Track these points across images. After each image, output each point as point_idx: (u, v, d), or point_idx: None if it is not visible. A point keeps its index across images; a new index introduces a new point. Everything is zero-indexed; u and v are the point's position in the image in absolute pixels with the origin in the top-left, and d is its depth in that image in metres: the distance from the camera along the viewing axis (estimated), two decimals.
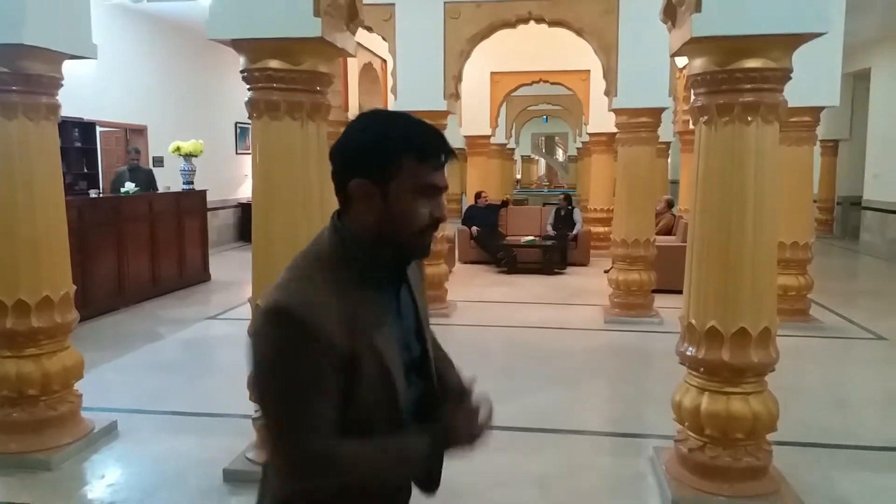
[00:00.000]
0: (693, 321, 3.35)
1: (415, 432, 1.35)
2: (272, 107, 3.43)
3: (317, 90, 3.54)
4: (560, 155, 33.41)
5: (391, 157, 1.27)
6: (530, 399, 4.84)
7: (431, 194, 1.32)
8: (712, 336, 3.25)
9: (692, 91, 3.37)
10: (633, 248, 7.00)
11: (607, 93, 7.11)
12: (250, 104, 3.51)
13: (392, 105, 7.24)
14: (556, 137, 32.83)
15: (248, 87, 3.52)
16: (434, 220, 1.32)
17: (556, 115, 19.71)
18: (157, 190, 9.05)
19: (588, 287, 9.31)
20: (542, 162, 35.16)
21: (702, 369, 3.33)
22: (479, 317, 7.36)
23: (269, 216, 3.50)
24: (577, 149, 18.61)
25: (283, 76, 3.41)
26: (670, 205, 10.10)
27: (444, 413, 1.39)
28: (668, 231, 9.73)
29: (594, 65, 11.78)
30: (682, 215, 10.18)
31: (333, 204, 1.41)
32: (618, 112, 6.96)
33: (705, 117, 3.28)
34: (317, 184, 3.51)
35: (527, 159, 33.71)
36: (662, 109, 6.95)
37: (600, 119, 11.59)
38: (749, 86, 3.14)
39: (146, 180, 8.89)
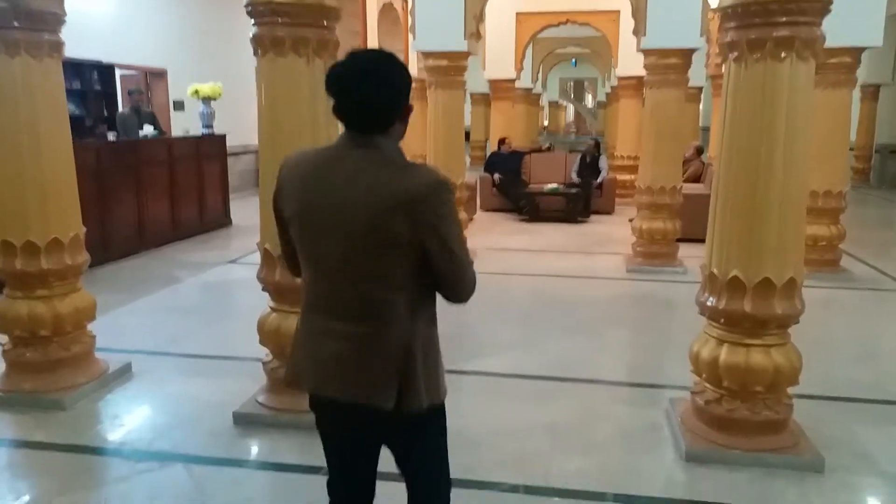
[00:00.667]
0: (714, 270, 3.20)
1: None
2: (277, 42, 3.29)
3: (323, 25, 3.38)
4: (589, 101, 32.61)
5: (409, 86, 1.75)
6: (549, 347, 4.77)
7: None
8: (734, 286, 3.11)
9: (723, 26, 3.14)
10: (658, 195, 6.79)
11: (636, 32, 6.80)
12: (254, 40, 3.37)
13: (410, 46, 7.01)
14: (586, 82, 32.01)
15: (252, 21, 3.38)
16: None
17: (585, 58, 19.12)
18: (163, 133, 8.91)
19: (612, 236, 9.13)
20: (570, 108, 34.42)
21: (722, 320, 3.20)
22: (501, 265, 7.24)
23: (276, 158, 3.39)
24: (606, 94, 18.10)
25: (287, 10, 3.26)
26: (700, 151, 9.77)
27: None
28: (696, 178, 9.45)
29: (624, 4, 11.36)
30: (712, 163, 9.86)
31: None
32: (646, 53, 6.66)
33: (735, 53, 3.06)
34: (324, 124, 3.39)
35: (554, 105, 33.07)
36: (693, 51, 6.63)
37: (630, 62, 11.18)
38: (784, 18, 2.91)
39: (149, 123, 8.73)
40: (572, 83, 32.11)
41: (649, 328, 5.43)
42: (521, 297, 6.12)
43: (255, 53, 3.40)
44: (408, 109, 1.74)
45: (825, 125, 6.35)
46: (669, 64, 6.56)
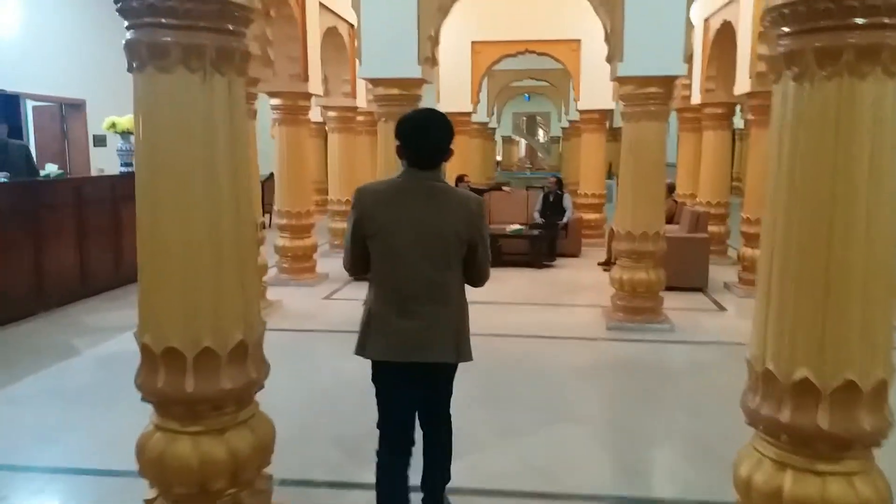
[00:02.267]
0: (771, 367, 2.32)
1: None
2: (159, 52, 2.33)
3: (227, 29, 2.43)
4: (541, 136, 32.35)
5: None
6: (526, 443, 3.82)
7: None
8: (803, 391, 2.23)
9: (775, 31, 2.30)
10: (640, 242, 5.97)
11: (610, 58, 6.04)
12: (127, 49, 2.40)
13: (358, 73, 6.12)
14: (538, 117, 31.74)
15: (125, 23, 2.41)
16: None
17: (539, 92, 18.62)
18: (37, 171, 7.37)
19: (582, 282, 8.31)
20: (523, 143, 34.10)
21: (784, 437, 2.31)
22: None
23: (156, 207, 2.41)
24: (563, 129, 17.56)
25: (173, 6, 2.30)
26: (671, 189, 9.08)
27: None
28: (669, 219, 8.72)
29: (586, 33, 10.77)
30: (685, 202, 9.21)
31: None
32: (623, 81, 5.90)
33: (795, 70, 2.22)
34: (225, 163, 2.43)
35: (507, 140, 32.62)
36: (675, 78, 5.91)
37: (592, 94, 10.58)
38: (866, 20, 2.09)
39: (15, 159, 7.08)
40: (525, 118, 31.78)
41: (646, 409, 4.50)
42: (488, 368, 5.14)
43: (130, 68, 2.42)
44: (450, 154, 2.54)
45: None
46: (650, 93, 5.81)
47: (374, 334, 2.54)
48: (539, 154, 31.60)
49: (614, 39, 5.81)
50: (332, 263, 8.99)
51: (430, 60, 6.25)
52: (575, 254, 9.99)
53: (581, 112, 10.86)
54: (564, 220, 9.85)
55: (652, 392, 4.69)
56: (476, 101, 11.02)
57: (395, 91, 6.03)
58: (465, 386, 4.55)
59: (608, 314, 6.31)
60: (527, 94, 23.48)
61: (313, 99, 9.56)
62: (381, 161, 6.18)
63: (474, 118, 12.05)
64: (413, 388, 2.60)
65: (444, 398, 2.77)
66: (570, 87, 14.91)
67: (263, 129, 8.00)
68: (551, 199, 10.11)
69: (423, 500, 2.81)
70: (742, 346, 5.70)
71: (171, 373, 2.44)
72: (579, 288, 8.00)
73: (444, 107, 10.88)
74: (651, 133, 5.90)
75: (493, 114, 16.66)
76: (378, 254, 2.50)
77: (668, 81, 5.86)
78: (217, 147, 2.42)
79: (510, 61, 11.51)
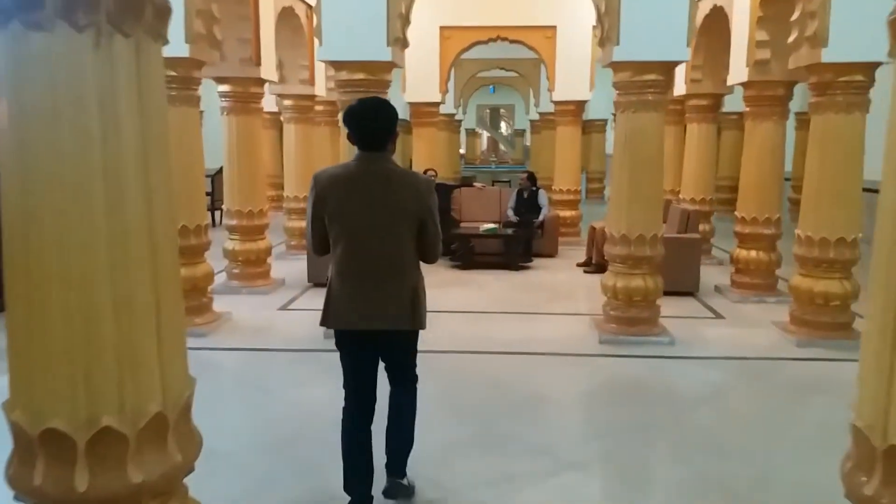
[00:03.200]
0: None
1: None
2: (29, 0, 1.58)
3: None
4: (504, 129, 31.82)
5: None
6: (521, 501, 3.16)
7: None
8: None
9: None
10: (636, 246, 5.36)
11: (603, 41, 5.39)
12: None
13: (316, 55, 5.36)
14: (502, 109, 31.20)
15: None
16: None
17: (506, 83, 17.97)
18: None
19: (564, 286, 7.69)
20: (485, 136, 33.56)
21: None
22: (429, 335, 5.59)
23: (32, 234, 1.66)
24: (531, 121, 16.97)
25: None
26: None
27: None
28: None
29: (562, 20, 10.15)
30: (671, 199, 8.66)
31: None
32: (618, 67, 5.26)
33: None
34: (135, 167, 1.70)
35: (470, 133, 32.00)
36: (677, 64, 5.31)
37: (568, 85, 9.97)
38: None
39: None
40: (488, 110, 31.19)
41: (659, 448, 3.85)
42: (469, 397, 4.47)
43: None
44: (395, 135, 2.77)
45: (837, 156, 5.20)
46: (648, 81, 5.19)
47: (334, 306, 2.75)
48: (502, 147, 31.06)
49: (609, 20, 5.16)
50: (288, 266, 8.21)
51: (400, 42, 5.52)
52: (552, 254, 9.38)
53: (556, 103, 10.24)
54: (541, 217, 9.22)
55: (662, 424, 4.06)
56: (444, 91, 10.30)
57: (360, 76, 5.29)
58: (447, 426, 3.82)
59: (600, 325, 5.68)
60: (492, 86, 22.86)
61: (267, 86, 8.75)
62: (345, 154, 5.43)
63: (442, 109, 11.35)
64: (373, 352, 2.84)
65: (408, 359, 2.97)
66: (542, 77, 14.38)
67: (210, 116, 7.17)
68: (525, 195, 9.47)
69: (385, 465, 3.00)
70: (753, 363, 5.23)
71: (55, 464, 1.70)
72: (562, 293, 7.37)
73: (409, 97, 10.18)
74: (648, 125, 5.28)
75: (459, 105, 15.97)
76: (336, 233, 2.70)
77: (668, 68, 5.25)
78: (121, 139, 1.68)
79: (478, 50, 10.82)
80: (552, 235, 9.39)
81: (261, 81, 6.97)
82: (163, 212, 1.81)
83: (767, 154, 6.74)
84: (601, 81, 10.21)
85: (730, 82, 7.03)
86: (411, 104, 10.43)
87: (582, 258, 8.95)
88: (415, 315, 2.77)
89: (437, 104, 10.35)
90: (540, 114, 14.62)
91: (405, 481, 3.03)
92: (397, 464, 3.00)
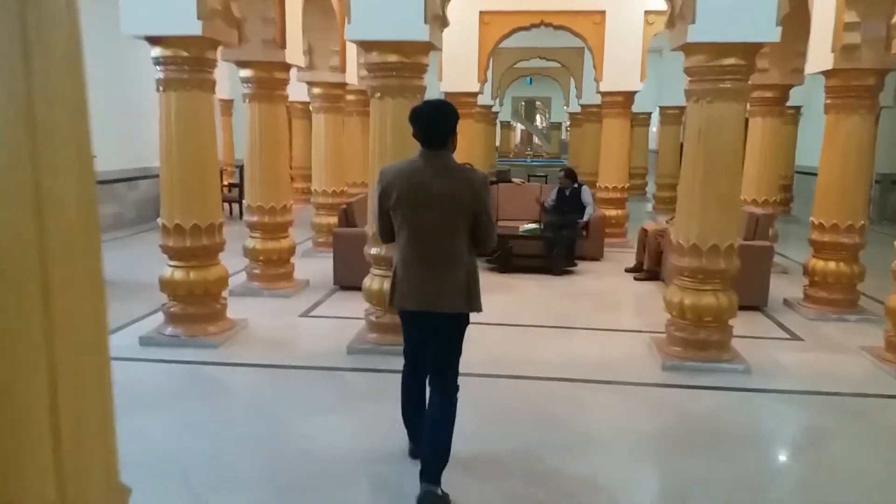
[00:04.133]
0: None
1: None
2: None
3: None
4: (539, 122, 31.01)
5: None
6: None
7: None
8: None
9: None
10: (709, 258, 4.63)
11: (674, 21, 4.68)
12: None
13: (348, 33, 4.71)
14: (538, 102, 30.38)
15: None
16: None
17: (545, 74, 17.16)
18: None
19: (612, 294, 6.98)
20: (519, 128, 32.80)
21: None
22: (466, 354, 4.94)
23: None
24: (571, 114, 16.17)
25: None
26: None
27: None
28: None
29: (612, 4, 9.34)
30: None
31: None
32: (692, 50, 4.53)
33: None
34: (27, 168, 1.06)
35: (504, 125, 31.27)
36: (761, 47, 4.56)
37: (617, 74, 9.21)
38: None
39: None
40: (524, 103, 30.37)
41: None
42: (507, 432, 3.79)
43: None
44: (455, 134, 2.96)
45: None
46: (728, 66, 4.45)
47: (398, 289, 3.01)
48: (536, 140, 30.24)
49: None
50: (314, 266, 7.63)
51: (439, 20, 4.86)
52: (597, 257, 8.65)
53: (603, 94, 9.47)
54: (585, 217, 8.48)
55: (752, 479, 3.33)
56: (483, 80, 9.61)
57: (393, 58, 4.63)
58: (489, 485, 3.07)
59: (661, 347, 4.97)
60: (529, 78, 22.05)
61: (295, 73, 8.17)
62: (376, 146, 4.79)
63: (479, 100, 10.66)
64: (428, 331, 3.05)
65: (453, 350, 3.06)
66: (583, 67, 13.60)
67: (242, 104, 6.60)
68: (567, 193, 8.73)
69: (420, 471, 2.98)
70: (849, 400, 4.33)
71: None
72: (612, 303, 6.67)
73: (446, 86, 9.51)
74: (726, 117, 4.54)
75: (497, 97, 15.25)
76: (398, 223, 2.96)
77: (752, 51, 4.50)
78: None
79: (517, 38, 10.12)
80: (598, 237, 8.66)
81: (286, 66, 6.37)
82: (84, 229, 1.17)
83: (853, 152, 5.93)
84: (649, 71, 9.43)
85: (809, 70, 6.22)
86: (448, 94, 9.76)
87: (630, 262, 8.22)
88: (470, 299, 2.97)
89: (474, 94, 9.66)
90: (582, 106, 13.82)
91: (439, 491, 2.95)
92: (431, 473, 2.97)
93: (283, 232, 6.66)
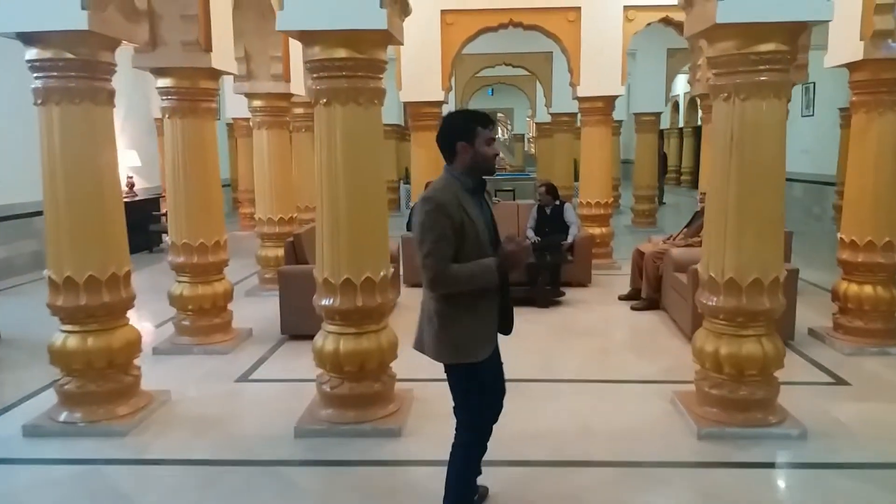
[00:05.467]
0: None
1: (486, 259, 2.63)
2: None
3: None
4: (501, 134, 30.27)
5: (472, 128, 2.66)
6: None
7: (491, 143, 2.68)
8: None
9: None
10: (750, 296, 3.67)
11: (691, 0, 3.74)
12: None
13: (280, 22, 3.64)
14: (499, 114, 29.63)
15: None
16: (494, 154, 2.70)
17: (512, 82, 16.27)
18: None
19: (612, 330, 6.01)
20: None
21: None
22: (443, 431, 3.89)
23: None
24: (539, 125, 15.28)
25: None
26: None
27: (500, 249, 2.66)
28: None
29: (587, 0, 8.54)
30: None
31: None
32: (718, 35, 3.59)
33: None
34: None
35: None
36: (805, 28, 3.63)
37: (596, 78, 8.30)
38: None
39: None
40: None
41: None
42: None
43: None
44: (461, 147, 2.65)
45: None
46: (765, 54, 3.51)
47: (482, 335, 2.71)
48: (500, 154, 29.44)
49: None
50: (260, 309, 6.51)
51: (399, 5, 3.84)
52: (584, 282, 7.68)
53: (581, 100, 8.55)
54: (570, 238, 7.52)
55: None
56: (447, 88, 8.61)
57: (342, 53, 3.58)
58: None
59: (691, 407, 3.98)
60: (490, 88, 21.22)
61: (231, 84, 7.07)
62: (323, 165, 3.72)
63: (444, 111, 9.64)
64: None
65: (455, 396, 2.84)
66: (552, 73, 12.71)
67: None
68: (548, 211, 7.76)
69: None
70: None
71: None
72: (613, 342, 5.69)
73: (406, 95, 8.49)
74: (767, 118, 3.60)
75: (461, 107, 14.26)
76: (466, 252, 2.61)
77: (796, 33, 3.58)
78: None
79: (481, 44, 9.17)
80: (585, 260, 7.69)
81: (214, 73, 5.27)
82: None
83: (888, 156, 5.06)
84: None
85: (832, 63, 5.34)
86: (408, 104, 8.74)
87: (622, 287, 7.28)
88: (438, 347, 2.73)
89: (438, 104, 8.65)
90: (552, 114, 12.94)
91: None
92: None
93: (217, 274, 5.51)
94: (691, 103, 21.91)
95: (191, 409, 4.28)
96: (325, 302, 3.82)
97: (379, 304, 3.82)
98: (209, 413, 4.24)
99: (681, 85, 19.49)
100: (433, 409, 4.13)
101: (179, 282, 5.46)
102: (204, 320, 5.46)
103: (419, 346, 2.75)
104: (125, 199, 10.31)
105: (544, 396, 4.46)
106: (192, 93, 5.19)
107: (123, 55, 4.61)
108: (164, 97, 5.22)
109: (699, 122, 21.12)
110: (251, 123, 7.36)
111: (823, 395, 4.39)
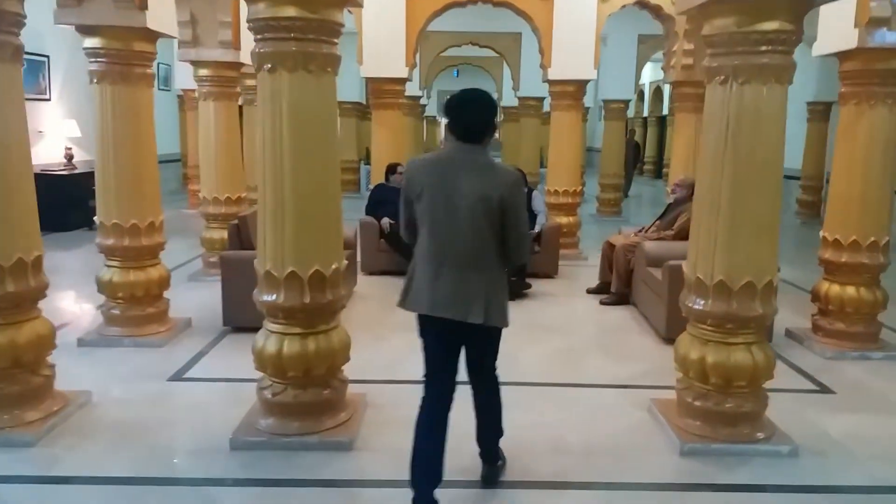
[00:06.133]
0: None
1: None
2: None
3: None
4: None
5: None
6: None
7: None
8: None
9: None
10: (741, 300, 3.32)
11: None
12: None
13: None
14: None
15: None
16: None
17: (478, 63, 15.79)
18: None
19: (580, 326, 5.67)
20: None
21: None
22: (400, 443, 3.46)
23: None
24: (505, 108, 14.87)
25: None
26: (693, 189, 6.46)
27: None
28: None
29: None
30: None
31: None
32: (714, 10, 3.21)
33: None
34: None
35: (431, 121, 29.90)
36: (814, 4, 3.28)
37: (568, 61, 7.92)
38: None
39: None
40: (449, 97, 29.06)
41: None
42: None
43: None
44: (493, 128, 2.76)
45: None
46: (767, 33, 3.14)
47: (414, 290, 2.77)
48: None
49: None
50: (203, 295, 6.01)
51: None
52: (551, 274, 7.33)
53: (551, 83, 8.15)
54: (537, 228, 7.15)
55: None
56: (412, 65, 8.12)
57: (290, 11, 3.08)
58: None
59: (672, 418, 3.64)
60: (455, 70, 20.69)
61: (177, 51, 6.48)
62: (266, 140, 3.22)
63: (408, 90, 9.14)
64: (450, 340, 2.81)
65: (486, 355, 2.93)
66: (521, 55, 12.30)
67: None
68: None
69: (479, 453, 3.08)
70: None
71: None
72: (583, 340, 5.33)
73: (367, 71, 7.97)
74: (768, 105, 3.24)
75: (425, 87, 13.79)
76: (420, 217, 2.74)
77: (801, 11, 3.22)
78: None
79: (447, 21, 8.71)
80: (552, 250, 7.33)
81: (150, 35, 4.70)
82: None
83: (877, 152, 4.79)
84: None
85: (822, 52, 5.04)
86: (370, 80, 8.22)
87: (589, 279, 6.95)
88: (489, 311, 2.70)
89: (402, 81, 8.16)
90: (520, 98, 12.54)
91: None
92: (489, 450, 3.08)
93: (151, 258, 4.97)
94: (656, 93, 21.77)
95: (113, 414, 3.77)
96: (266, 298, 3.35)
97: (329, 300, 3.36)
98: (134, 418, 3.73)
99: (647, 74, 19.24)
100: (388, 415, 3.73)
101: (109, 266, 4.90)
102: (136, 309, 4.92)
103: (482, 317, 2.69)
104: (62, 172, 9.82)
105: (510, 403, 3.97)
106: (125, 56, 4.62)
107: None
108: (93, 60, 4.63)
109: (664, 112, 21.13)
110: (197, 94, 6.75)
111: (809, 405, 4.10)
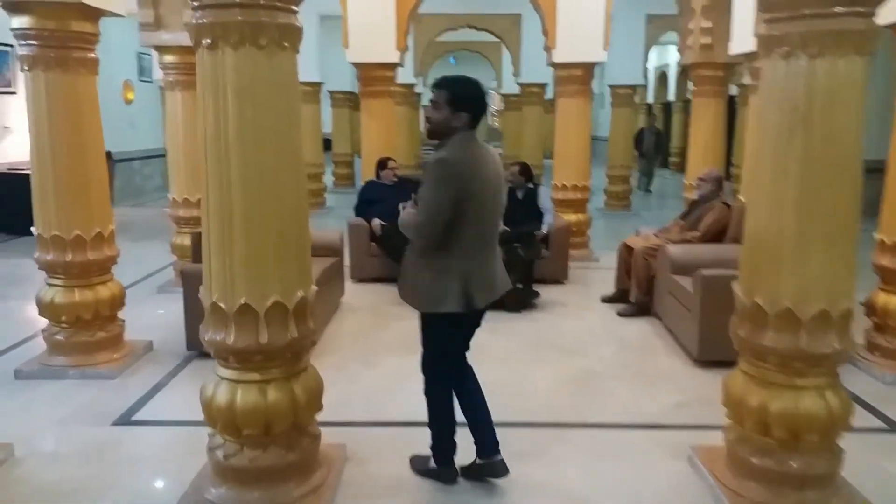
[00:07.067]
0: None
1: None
2: None
3: None
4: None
5: None
6: None
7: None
8: None
9: None
10: (812, 334, 2.63)
11: None
12: None
13: None
14: None
15: None
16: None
17: (475, 48, 15.03)
18: None
19: (599, 345, 4.96)
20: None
21: None
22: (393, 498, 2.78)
23: None
24: (505, 96, 14.11)
25: None
26: (720, 183, 5.75)
27: None
28: (719, 235, 5.48)
29: None
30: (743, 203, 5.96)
31: None
32: None
33: None
34: None
35: (427, 109, 29.04)
36: None
37: (574, 42, 7.21)
38: None
39: None
40: None
41: None
42: None
43: None
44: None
45: None
46: None
47: (474, 286, 2.74)
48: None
49: None
50: (169, 311, 5.30)
51: None
52: (560, 279, 6.64)
53: (557, 66, 7.43)
54: (544, 228, 6.44)
55: None
56: (404, 49, 7.40)
57: None
58: None
59: (722, 475, 2.95)
60: (452, 57, 19.91)
61: (139, 35, 5.79)
62: (209, 135, 2.53)
63: (400, 76, 8.42)
64: (475, 325, 2.97)
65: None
66: (521, 39, 11.57)
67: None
68: (520, 195, 6.64)
69: (477, 450, 2.99)
70: None
71: None
72: (603, 363, 4.61)
73: (354, 55, 7.28)
74: (848, 82, 2.54)
75: (420, 74, 13.05)
76: (465, 213, 2.67)
77: None
78: None
79: (442, 1, 7.99)
80: (561, 253, 6.63)
81: (90, 12, 4.00)
82: None
83: None
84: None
85: (890, 19, 4.32)
86: (358, 66, 7.50)
87: (604, 286, 6.26)
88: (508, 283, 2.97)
89: (392, 66, 7.45)
90: (521, 85, 11.80)
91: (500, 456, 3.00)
92: (495, 441, 2.99)
93: (100, 274, 4.28)
94: (661, 78, 20.98)
95: (37, 475, 3.09)
96: (212, 336, 2.66)
97: (293, 339, 2.67)
98: (61, 480, 3.05)
99: (672, 54, 18.20)
100: (372, 473, 3.06)
101: (51, 285, 4.22)
102: (83, 335, 4.24)
103: (510, 284, 2.96)
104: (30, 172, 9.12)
105: (525, 451, 3.35)
106: (61, 38, 3.92)
107: None
108: (23, 42, 3.93)
109: (669, 98, 20.32)
110: (162, 83, 6.03)
111: (879, 449, 3.42)
